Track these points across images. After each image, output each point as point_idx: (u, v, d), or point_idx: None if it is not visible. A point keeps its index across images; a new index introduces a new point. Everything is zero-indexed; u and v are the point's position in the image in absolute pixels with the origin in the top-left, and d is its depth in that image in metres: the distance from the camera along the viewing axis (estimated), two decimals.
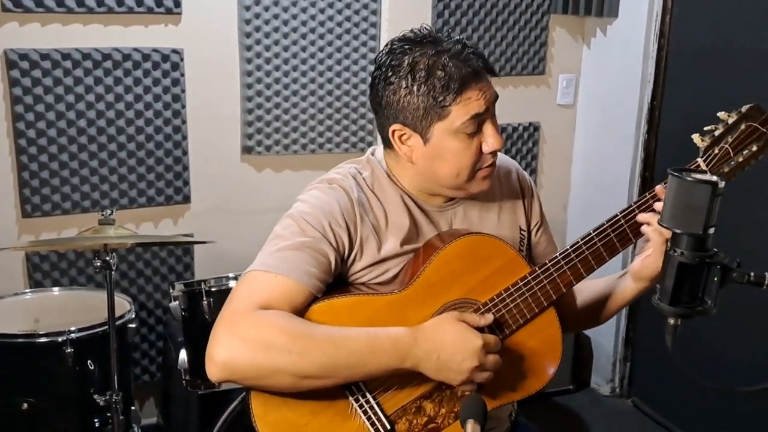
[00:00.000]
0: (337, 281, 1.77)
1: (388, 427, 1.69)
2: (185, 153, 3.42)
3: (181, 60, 3.32)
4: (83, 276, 3.35)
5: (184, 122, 3.38)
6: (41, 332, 2.74)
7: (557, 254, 1.77)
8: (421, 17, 3.63)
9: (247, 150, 3.53)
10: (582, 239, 1.77)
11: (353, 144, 3.68)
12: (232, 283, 2.83)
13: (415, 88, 1.70)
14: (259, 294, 1.63)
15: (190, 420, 3.22)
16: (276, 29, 3.43)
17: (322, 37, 3.52)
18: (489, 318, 1.72)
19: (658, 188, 1.72)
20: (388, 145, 1.83)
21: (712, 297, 1.42)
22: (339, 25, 3.53)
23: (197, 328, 2.84)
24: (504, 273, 1.76)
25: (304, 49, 3.50)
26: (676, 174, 1.37)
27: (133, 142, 3.31)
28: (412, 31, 1.78)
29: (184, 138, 3.40)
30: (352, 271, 1.79)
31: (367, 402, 1.69)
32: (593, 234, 1.76)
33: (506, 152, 3.90)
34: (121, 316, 2.85)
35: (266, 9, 3.39)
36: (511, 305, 1.75)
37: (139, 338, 3.48)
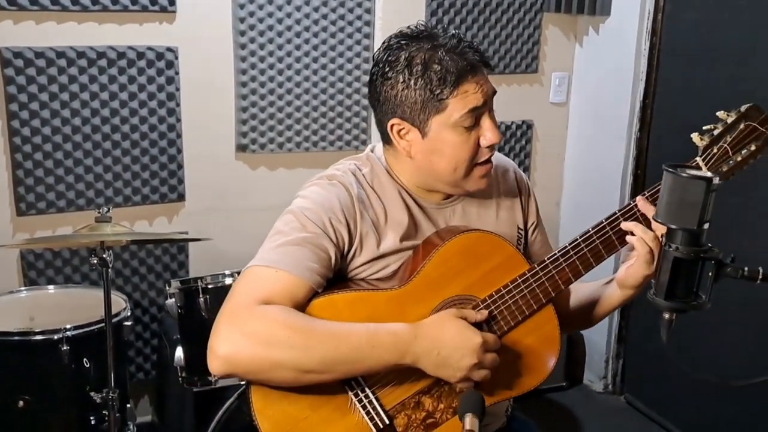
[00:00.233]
0: (336, 277, 1.78)
1: (387, 421, 1.71)
2: (180, 151, 3.42)
3: (176, 58, 3.32)
4: (78, 274, 3.35)
5: (178, 120, 3.39)
6: (37, 330, 2.74)
7: (556, 251, 1.78)
8: (414, 15, 3.64)
9: (241, 148, 3.54)
10: (580, 236, 1.78)
11: (347, 142, 3.69)
12: (228, 281, 2.84)
13: (412, 82, 1.72)
14: (260, 289, 1.64)
15: (185, 418, 3.23)
16: (270, 27, 3.43)
17: (316, 35, 3.53)
18: (484, 313, 1.73)
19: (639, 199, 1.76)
20: (386, 140, 1.84)
21: (707, 292, 1.44)
22: (333, 23, 3.54)
23: (193, 325, 2.85)
24: (503, 270, 1.77)
25: (298, 47, 3.51)
26: (671, 170, 1.38)
27: (127, 140, 3.32)
28: (408, 27, 1.80)
29: (179, 136, 3.40)
30: (352, 267, 1.80)
31: (366, 397, 1.70)
32: (592, 231, 1.78)
33: (499, 150, 3.91)
34: (117, 314, 2.85)
35: (260, 7, 3.40)
36: (510, 302, 1.76)
37: (133, 336, 3.48)
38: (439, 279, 1.74)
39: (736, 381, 1.57)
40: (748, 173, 1.80)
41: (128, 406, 2.98)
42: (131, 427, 2.96)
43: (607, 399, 4.13)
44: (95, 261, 2.64)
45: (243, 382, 2.70)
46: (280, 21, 3.44)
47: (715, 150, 1.75)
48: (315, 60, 3.55)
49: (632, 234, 1.73)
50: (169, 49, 3.30)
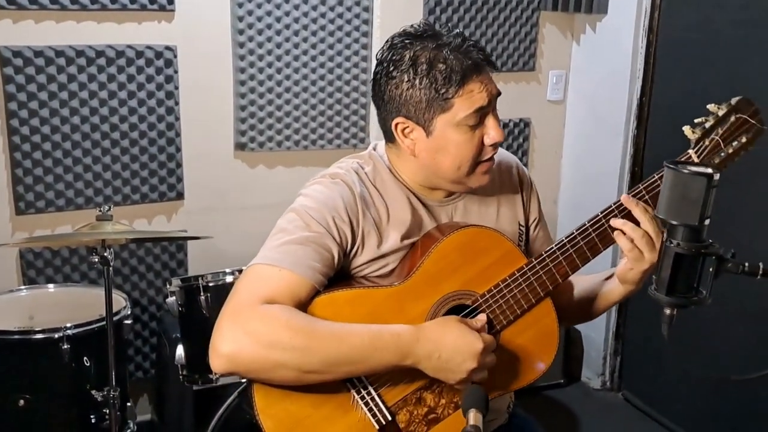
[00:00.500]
0: (338, 274, 1.79)
1: (389, 418, 1.72)
2: (179, 150, 3.43)
3: (175, 57, 3.33)
4: (77, 273, 3.35)
5: (177, 119, 3.39)
6: (37, 329, 2.74)
7: (553, 245, 1.80)
8: (412, 14, 3.64)
9: (240, 146, 3.54)
10: (577, 230, 1.80)
11: (345, 140, 3.70)
12: (229, 279, 2.85)
13: (417, 81, 1.73)
14: (263, 287, 1.65)
15: (184, 416, 3.23)
16: (269, 26, 3.44)
17: (314, 33, 3.53)
18: (483, 319, 1.75)
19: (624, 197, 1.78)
20: (390, 139, 1.85)
21: (707, 287, 1.45)
22: (331, 21, 3.55)
23: (194, 323, 2.85)
24: (501, 264, 1.78)
25: (296, 45, 3.51)
26: (672, 166, 1.39)
27: (126, 139, 3.32)
28: (411, 26, 1.81)
29: (178, 135, 3.41)
30: (353, 265, 1.81)
31: (368, 394, 1.71)
32: (588, 225, 1.79)
33: None
34: (117, 312, 2.84)
35: (259, 6, 3.40)
36: (509, 296, 1.77)
37: (132, 335, 3.48)
38: (438, 275, 1.75)
39: (735, 376, 1.58)
40: (746, 168, 1.81)
41: (128, 404, 2.98)
42: (131, 425, 2.96)
43: (605, 396, 4.14)
44: (96, 259, 2.65)
45: (243, 380, 2.72)
46: (278, 19, 3.45)
47: (706, 142, 1.77)
48: (313, 58, 3.56)
49: (622, 232, 1.75)
50: (167, 48, 3.31)
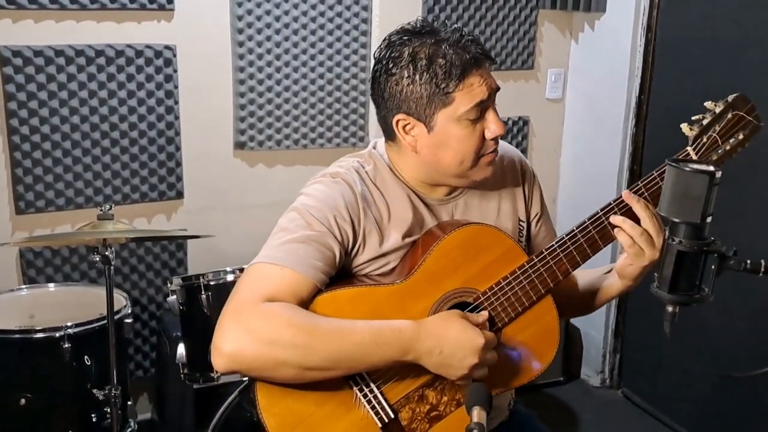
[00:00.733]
0: (339, 272, 1.79)
1: (392, 415, 1.72)
2: (178, 149, 3.43)
3: (174, 56, 3.33)
4: (77, 272, 3.35)
5: (177, 118, 3.39)
6: (38, 328, 2.74)
7: (553, 242, 1.80)
8: (411, 12, 3.65)
9: (239, 145, 3.54)
10: (577, 227, 1.80)
11: (345, 139, 3.70)
12: (230, 277, 2.85)
13: (417, 77, 1.73)
14: (265, 286, 1.65)
15: (185, 415, 3.23)
16: (268, 25, 3.44)
17: (313, 32, 3.53)
18: (485, 315, 1.75)
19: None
20: (390, 137, 1.85)
21: (709, 285, 1.45)
22: (330, 20, 3.55)
23: (195, 322, 2.85)
24: (502, 262, 1.79)
25: (295, 44, 3.52)
26: (674, 164, 1.40)
27: (126, 138, 3.32)
28: (409, 23, 1.81)
29: (177, 134, 3.41)
30: (355, 264, 1.81)
31: (371, 391, 1.71)
32: (588, 222, 1.80)
33: None
34: (118, 311, 2.85)
35: (258, 5, 3.40)
36: (510, 293, 1.77)
37: (132, 334, 3.48)
38: (439, 273, 1.76)
39: (737, 373, 1.59)
40: (746, 166, 1.82)
41: (129, 403, 2.99)
42: (132, 424, 2.96)
43: (605, 393, 4.15)
44: (98, 258, 2.65)
45: (245, 379, 2.72)
46: (277, 18, 3.45)
47: (704, 139, 1.78)
48: (313, 57, 3.56)
49: (621, 229, 1.76)
50: (167, 47, 3.31)
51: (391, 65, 1.76)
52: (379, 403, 1.71)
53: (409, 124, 1.79)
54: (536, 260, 1.79)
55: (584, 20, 4.05)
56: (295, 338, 1.59)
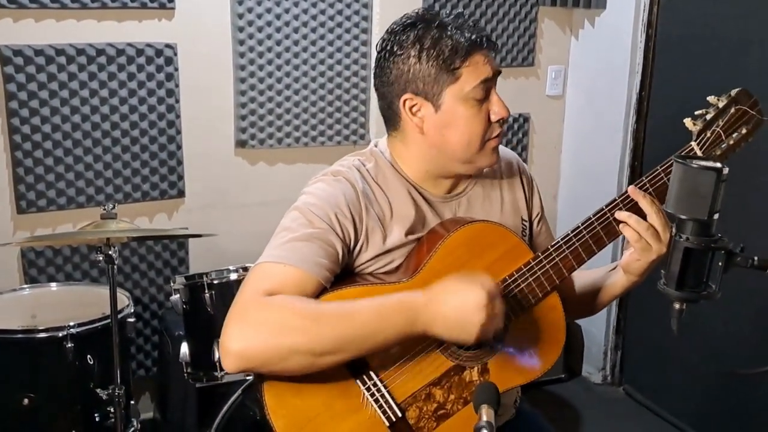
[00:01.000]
0: (343, 272, 1.78)
1: (399, 414, 1.72)
2: (179, 147, 3.43)
3: (175, 55, 3.33)
4: (79, 271, 3.35)
5: (178, 117, 3.39)
6: (41, 328, 2.74)
7: (558, 239, 1.80)
8: (412, 9, 3.63)
9: (240, 144, 3.54)
10: (582, 223, 1.80)
11: (345, 137, 3.70)
12: (233, 276, 2.85)
13: (424, 55, 1.75)
14: (268, 283, 1.64)
15: (187, 414, 3.23)
16: (269, 23, 3.44)
17: (314, 30, 3.53)
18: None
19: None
20: (395, 126, 1.86)
21: (716, 281, 1.45)
22: (331, 18, 3.55)
23: (198, 321, 2.85)
24: (508, 259, 1.79)
25: (296, 42, 3.51)
26: (681, 161, 1.40)
27: (127, 137, 3.32)
28: (410, 12, 1.84)
29: (178, 132, 3.41)
30: (358, 262, 1.81)
31: (378, 391, 1.71)
32: (593, 218, 1.80)
33: None
34: (121, 311, 2.85)
35: (259, 3, 3.40)
36: (516, 290, 1.77)
37: (134, 333, 3.47)
38: (445, 271, 1.74)
39: (743, 371, 1.59)
40: (751, 161, 1.82)
41: (132, 402, 2.99)
42: (135, 423, 2.96)
43: (606, 390, 4.15)
44: (101, 258, 2.65)
45: (248, 377, 2.72)
46: (278, 16, 3.45)
47: (708, 134, 1.78)
48: (313, 55, 3.56)
49: (627, 224, 1.76)
50: (168, 46, 3.30)
51: (396, 48, 1.78)
52: (387, 402, 1.71)
53: (416, 104, 1.79)
54: (542, 257, 1.79)
55: (584, 17, 4.05)
56: (302, 324, 1.58)
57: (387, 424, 1.71)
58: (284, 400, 1.68)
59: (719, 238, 1.42)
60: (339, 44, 3.59)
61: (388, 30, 1.83)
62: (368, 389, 1.71)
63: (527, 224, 2.02)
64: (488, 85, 1.77)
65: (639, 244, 1.75)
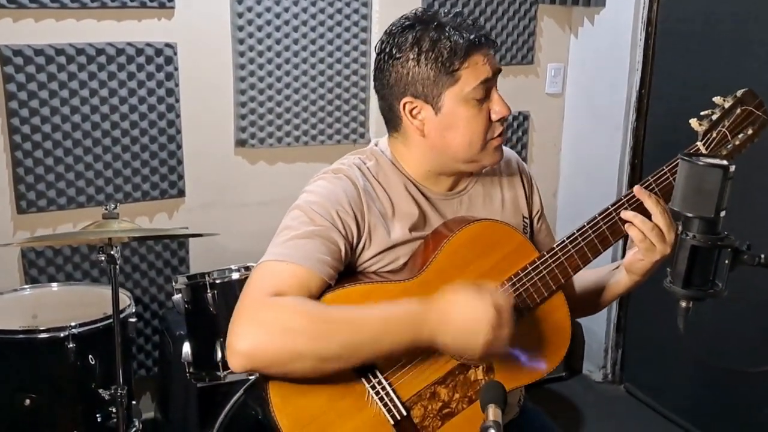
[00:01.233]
0: (347, 271, 1.78)
1: (404, 413, 1.71)
2: (179, 147, 3.42)
3: (175, 54, 3.32)
4: (79, 271, 3.34)
5: (177, 116, 3.38)
6: (42, 328, 2.74)
7: (564, 238, 1.80)
8: (411, 7, 3.57)
9: (240, 143, 3.54)
10: (587, 222, 1.80)
11: (345, 135, 3.70)
12: (235, 275, 2.84)
13: (422, 57, 1.74)
14: (273, 282, 1.64)
15: (188, 413, 3.22)
16: (268, 22, 3.43)
17: (313, 29, 3.53)
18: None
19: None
20: (395, 127, 1.85)
21: (723, 280, 1.45)
22: (330, 17, 3.54)
23: (201, 320, 2.85)
24: (513, 258, 1.78)
25: (296, 41, 3.51)
26: (687, 158, 1.39)
27: (127, 137, 3.31)
28: (408, 12, 1.83)
29: (178, 132, 3.40)
30: (362, 260, 1.81)
31: (383, 389, 1.70)
32: (599, 218, 1.80)
33: None
34: (122, 310, 2.85)
35: (258, 2, 3.39)
36: (521, 289, 1.77)
37: (134, 333, 3.47)
38: (450, 269, 1.75)
39: (748, 368, 1.59)
40: (756, 160, 1.82)
41: (133, 402, 2.98)
42: (137, 423, 2.95)
43: (607, 388, 4.15)
44: (103, 258, 2.64)
45: (250, 377, 2.72)
46: (278, 15, 3.44)
47: (714, 134, 1.78)
48: (313, 54, 3.55)
49: (632, 224, 1.76)
50: (167, 45, 3.30)
51: (395, 51, 1.77)
52: (392, 400, 1.71)
53: (416, 107, 1.79)
54: (547, 256, 1.78)
55: (584, 15, 4.05)
56: (308, 328, 1.57)
57: (392, 422, 1.71)
58: (289, 398, 1.68)
59: (726, 236, 1.41)
60: (338, 43, 3.58)
61: (386, 31, 1.82)
62: (373, 387, 1.70)
63: (528, 222, 2.02)
64: (488, 84, 1.77)
65: (643, 244, 1.75)
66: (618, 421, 3.89)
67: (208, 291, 2.81)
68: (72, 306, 2.97)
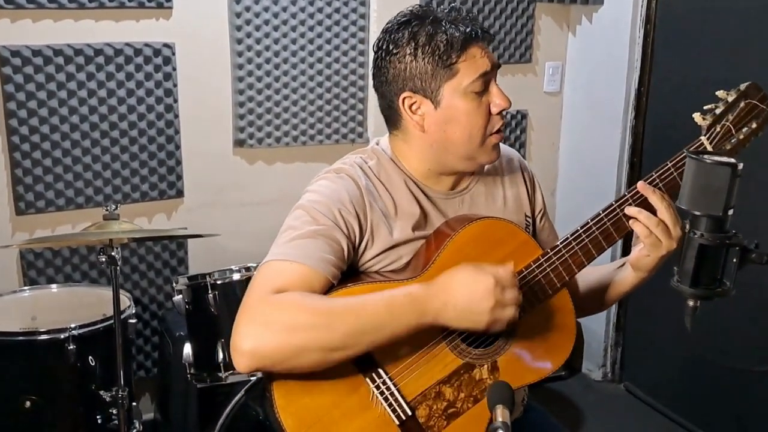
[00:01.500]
0: (349, 271, 1.78)
1: (409, 413, 1.70)
2: (178, 147, 3.41)
3: (173, 54, 3.31)
4: (78, 272, 3.33)
5: (176, 116, 3.37)
6: (42, 330, 2.73)
7: (567, 235, 1.79)
8: (409, 6, 3.63)
9: (239, 143, 3.53)
10: (591, 219, 1.79)
11: (344, 135, 3.69)
12: (236, 276, 2.84)
13: (419, 52, 1.75)
14: (276, 281, 1.63)
15: (188, 415, 3.22)
16: (266, 22, 3.43)
17: (312, 29, 3.52)
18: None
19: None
20: (395, 125, 1.85)
21: (731, 278, 1.44)
22: (329, 17, 3.54)
23: (202, 321, 2.84)
24: (517, 256, 1.77)
25: (294, 41, 3.50)
26: (694, 156, 1.38)
27: (125, 137, 3.30)
28: (404, 9, 1.84)
29: (177, 132, 3.39)
30: (365, 260, 1.80)
31: (388, 389, 1.70)
32: (603, 214, 1.79)
33: None
34: (122, 312, 2.82)
35: (256, 1, 3.39)
36: (526, 288, 1.76)
37: (134, 334, 3.46)
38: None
39: (758, 368, 1.58)
40: (762, 156, 1.81)
41: (134, 404, 2.97)
42: (137, 425, 2.94)
43: (607, 387, 4.15)
44: (103, 259, 2.63)
45: (251, 378, 2.71)
46: (276, 15, 3.44)
47: (718, 128, 1.77)
48: (311, 54, 3.55)
49: (637, 220, 1.75)
50: (166, 45, 3.29)
51: (392, 47, 1.78)
52: (396, 400, 1.70)
53: (415, 102, 1.79)
54: (551, 253, 1.78)
55: (582, 13, 4.05)
56: (312, 320, 1.57)
57: (397, 422, 1.70)
58: (293, 398, 1.67)
59: (733, 234, 1.41)
60: (337, 42, 3.58)
61: (383, 29, 1.83)
62: (377, 387, 1.70)
63: (530, 220, 2.02)
64: (487, 77, 1.77)
65: (649, 239, 1.74)
66: (617, 419, 3.89)
67: (209, 292, 2.80)
68: (71, 307, 2.97)
